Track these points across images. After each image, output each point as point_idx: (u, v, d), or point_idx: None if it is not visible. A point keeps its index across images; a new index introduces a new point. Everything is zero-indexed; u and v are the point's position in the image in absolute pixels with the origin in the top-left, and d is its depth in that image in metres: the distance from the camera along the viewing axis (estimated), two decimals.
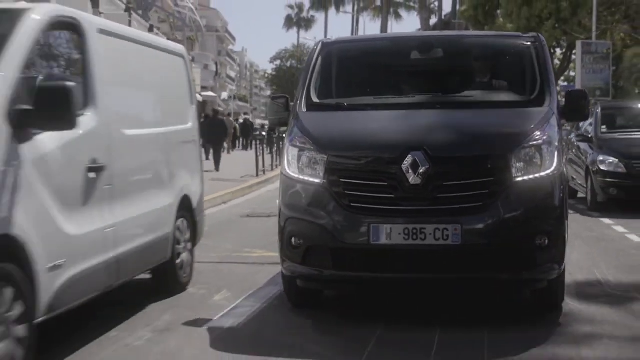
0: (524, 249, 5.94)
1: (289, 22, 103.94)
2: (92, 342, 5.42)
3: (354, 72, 7.73)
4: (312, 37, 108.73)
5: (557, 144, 6.26)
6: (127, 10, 28.82)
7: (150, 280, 6.89)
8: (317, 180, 6.17)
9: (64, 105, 4.60)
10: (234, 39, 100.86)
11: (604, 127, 13.77)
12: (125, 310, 6.20)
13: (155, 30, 31.29)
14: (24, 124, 4.53)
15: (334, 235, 6.05)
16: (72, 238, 4.94)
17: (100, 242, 5.35)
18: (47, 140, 4.75)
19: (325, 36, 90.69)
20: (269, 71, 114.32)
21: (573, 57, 33.86)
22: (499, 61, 7.83)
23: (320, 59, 7.34)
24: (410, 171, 5.90)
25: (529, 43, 7.37)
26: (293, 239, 6.23)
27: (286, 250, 6.29)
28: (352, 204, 6.02)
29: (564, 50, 35.76)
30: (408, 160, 5.91)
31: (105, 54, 5.65)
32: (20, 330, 4.41)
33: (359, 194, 6.05)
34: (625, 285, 7.19)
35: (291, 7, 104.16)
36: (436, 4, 54.22)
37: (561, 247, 6.10)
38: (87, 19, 5.64)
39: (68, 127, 4.68)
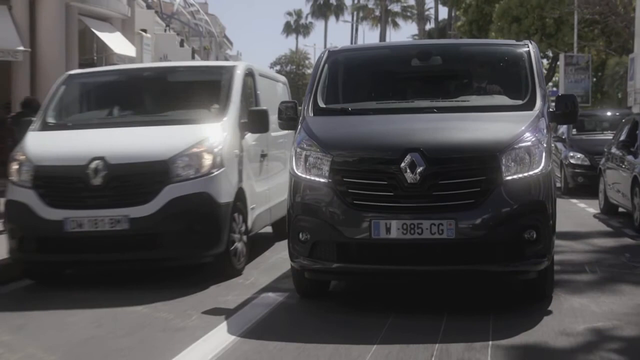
0: (514, 242, 6.26)
1: (288, 29, 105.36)
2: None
3: (358, 79, 8.11)
4: (311, 44, 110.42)
5: (545, 145, 6.57)
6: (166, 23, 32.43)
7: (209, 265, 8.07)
8: (322, 180, 6.53)
9: (264, 120, 8.45)
10: (231, 43, 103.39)
11: (574, 130, 17.64)
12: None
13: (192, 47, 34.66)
14: (243, 129, 8.38)
15: (338, 230, 6.40)
16: (257, 193, 8.78)
17: (265, 197, 9.17)
18: (248, 138, 8.60)
19: (325, 43, 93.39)
20: None
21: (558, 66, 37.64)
22: (494, 67, 8.13)
23: (326, 66, 7.75)
24: (408, 171, 6.25)
25: (521, 50, 7.71)
26: (300, 234, 6.60)
27: (295, 244, 6.65)
28: (354, 202, 6.38)
29: (549, 61, 39.53)
30: (406, 160, 6.26)
31: (262, 88, 9.50)
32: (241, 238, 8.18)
33: (361, 192, 6.40)
34: (574, 233, 10.96)
35: (290, 13, 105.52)
36: (431, 11, 57.98)
37: (548, 241, 6.40)
38: (255, 68, 9.46)
39: (265, 131, 8.57)
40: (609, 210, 12.93)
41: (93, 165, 7.36)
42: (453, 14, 47.58)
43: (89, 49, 18.82)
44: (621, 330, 5.87)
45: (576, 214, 13.41)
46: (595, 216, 13.04)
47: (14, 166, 7.74)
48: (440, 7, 55.06)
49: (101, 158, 7.35)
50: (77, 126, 8.34)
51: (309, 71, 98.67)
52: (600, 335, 5.75)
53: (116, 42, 18.69)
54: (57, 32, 16.75)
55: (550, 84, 42.93)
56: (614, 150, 12.70)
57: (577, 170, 16.54)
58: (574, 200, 15.28)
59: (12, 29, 15.58)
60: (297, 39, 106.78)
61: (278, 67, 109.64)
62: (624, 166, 11.84)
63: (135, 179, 7.41)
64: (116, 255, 7.51)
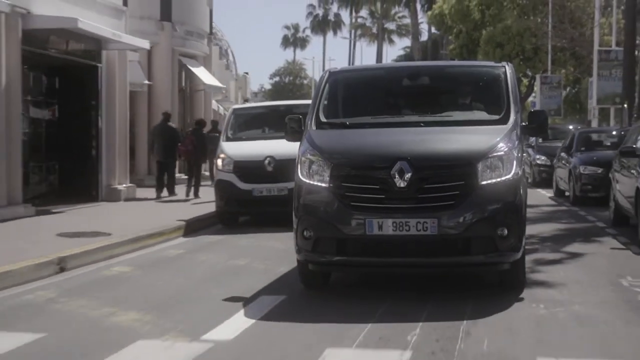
0: (488, 238, 6.98)
1: (286, 42, 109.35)
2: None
3: (355, 96, 8.80)
4: (308, 56, 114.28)
5: (516, 154, 7.24)
6: None
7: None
8: (323, 185, 7.24)
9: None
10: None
11: (540, 139, 24.07)
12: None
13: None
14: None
15: (337, 228, 7.11)
16: None
17: None
18: None
19: (324, 57, 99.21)
20: (267, 86, 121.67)
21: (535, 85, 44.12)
22: (475, 86, 8.86)
23: (327, 85, 8.44)
24: (397, 177, 6.97)
25: (499, 71, 8.40)
26: (305, 232, 7.26)
27: (299, 240, 7.32)
28: (351, 203, 7.09)
29: (529, 80, 45.94)
30: (396, 168, 6.98)
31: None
32: None
33: (357, 195, 7.11)
34: (534, 206, 17.20)
35: (288, 27, 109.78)
36: (424, 25, 64.10)
37: (519, 237, 7.09)
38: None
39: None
40: (559, 193, 19.32)
41: (266, 160, 13.56)
42: (444, 40, 53.85)
43: (179, 79, 25.00)
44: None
45: (538, 196, 19.74)
46: (550, 197, 19.40)
47: (220, 161, 14.01)
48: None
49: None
50: (250, 138, 14.62)
51: (306, 81, 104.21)
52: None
53: (203, 74, 24.96)
54: (165, 70, 22.97)
55: (531, 98, 49.34)
56: (562, 154, 19.09)
57: (541, 169, 22.96)
58: (539, 190, 21.64)
59: (139, 69, 21.75)
60: (294, 51, 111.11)
61: (277, 79, 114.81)
62: (564, 163, 18.26)
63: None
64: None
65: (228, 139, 14.54)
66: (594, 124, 32.57)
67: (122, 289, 8.35)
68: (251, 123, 15.29)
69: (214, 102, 29.10)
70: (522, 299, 7.19)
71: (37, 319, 6.90)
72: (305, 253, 7.37)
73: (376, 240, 7.07)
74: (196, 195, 18.02)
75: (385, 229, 6.99)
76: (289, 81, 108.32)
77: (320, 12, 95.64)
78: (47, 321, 6.82)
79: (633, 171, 11.31)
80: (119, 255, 10.62)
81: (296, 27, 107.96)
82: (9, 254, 9.50)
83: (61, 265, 9.49)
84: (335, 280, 8.20)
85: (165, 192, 18.41)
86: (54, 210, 14.97)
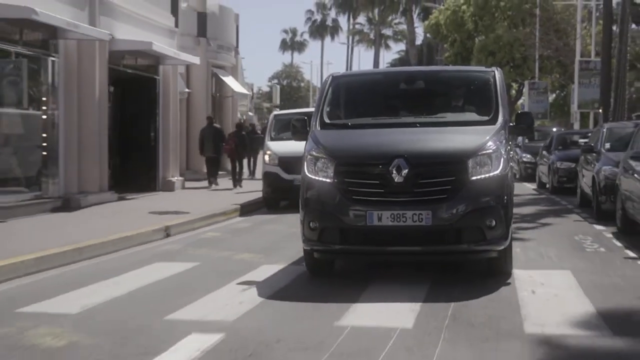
0: (477, 228, 7.58)
1: (284, 45, 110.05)
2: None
3: (356, 99, 9.34)
4: (306, 59, 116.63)
5: (503, 152, 7.83)
6: None
7: None
8: (328, 180, 7.86)
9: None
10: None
11: (526, 140, 27.57)
12: None
13: None
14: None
15: (340, 219, 7.71)
16: None
17: None
18: None
19: (322, 60, 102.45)
20: (265, 88, 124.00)
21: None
22: (466, 89, 9.43)
23: (330, 88, 9.02)
24: (395, 173, 7.57)
25: (488, 75, 8.93)
26: (311, 223, 7.89)
27: (306, 231, 7.95)
28: (353, 197, 7.69)
29: (518, 85, 49.51)
30: (394, 164, 7.57)
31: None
32: None
33: (358, 189, 7.72)
34: (520, 195, 20.66)
35: (286, 31, 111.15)
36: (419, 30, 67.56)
37: (506, 227, 7.66)
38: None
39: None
40: (541, 185, 22.84)
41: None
42: (439, 47, 57.39)
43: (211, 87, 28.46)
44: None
45: (524, 188, 23.19)
46: (533, 189, 22.92)
47: (267, 156, 17.45)
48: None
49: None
50: (289, 138, 18.01)
51: (302, 84, 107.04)
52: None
53: (232, 83, 28.38)
54: (202, 79, 26.33)
55: (521, 101, 52.84)
56: (543, 152, 22.61)
57: (527, 165, 26.49)
58: (525, 183, 25.14)
59: (181, 79, 25.20)
60: (292, 55, 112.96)
61: (276, 81, 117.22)
62: (544, 160, 21.82)
63: None
64: None
65: (272, 139, 17.98)
66: (576, 126, 36.14)
67: (225, 244, 11.77)
68: (288, 125, 18.67)
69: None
70: (508, 284, 7.84)
71: (186, 257, 10.38)
72: (311, 243, 8.02)
73: (376, 230, 7.67)
74: (240, 185, 21.53)
75: (384, 220, 7.60)
76: (287, 84, 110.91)
77: (318, 17, 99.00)
78: (194, 257, 10.31)
79: (592, 165, 14.82)
80: (200, 227, 14.03)
81: (294, 31, 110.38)
82: (122, 226, 12.78)
83: (167, 232, 12.91)
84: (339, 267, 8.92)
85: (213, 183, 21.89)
86: (128, 197, 18.39)
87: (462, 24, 47.20)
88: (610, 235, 11.68)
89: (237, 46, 30.11)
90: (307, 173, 8.14)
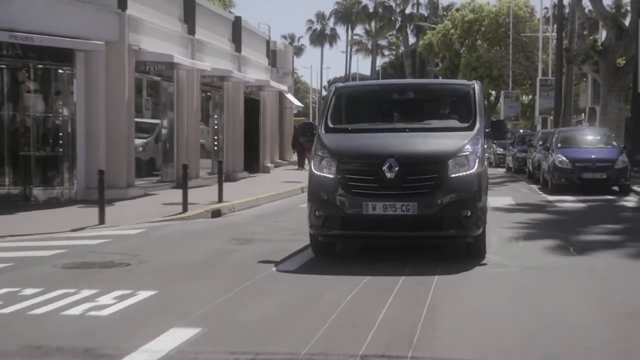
0: (455, 217, 8.83)
1: None
2: None
3: (355, 107, 10.71)
4: (305, 64, 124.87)
5: (478, 154, 9.09)
6: None
7: None
8: (331, 176, 9.07)
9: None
10: None
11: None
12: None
13: None
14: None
15: (341, 208, 8.91)
16: None
17: None
18: None
19: (321, 66, 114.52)
20: None
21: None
22: (450, 100, 10.85)
23: (334, 97, 10.29)
24: (387, 170, 8.77)
25: (468, 88, 10.27)
26: (316, 212, 9.09)
27: (312, 219, 9.19)
28: (352, 190, 8.91)
29: (496, 94, 61.08)
30: (386, 164, 8.77)
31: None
32: None
33: (356, 184, 8.95)
34: (495, 176, 32.23)
35: (285, 37, 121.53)
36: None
37: (479, 217, 8.94)
38: None
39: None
40: (508, 169, 34.36)
41: None
42: (430, 59, 68.90)
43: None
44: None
45: (497, 171, 34.49)
46: (504, 172, 34.32)
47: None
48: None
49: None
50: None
51: (300, 85, 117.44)
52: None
53: (292, 99, 39.50)
54: (274, 97, 37.09)
55: (498, 105, 64.25)
56: (510, 146, 34.17)
57: (499, 156, 38.32)
58: (498, 168, 36.60)
59: (294, 98, 36.55)
60: (292, 59, 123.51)
61: None
62: (510, 152, 33.47)
63: None
64: None
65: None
66: (539, 127, 47.70)
67: None
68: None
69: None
70: (484, 264, 8.95)
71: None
72: (316, 228, 9.21)
73: (370, 218, 8.86)
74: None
75: (377, 209, 8.79)
76: None
77: (318, 27, 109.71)
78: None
79: (531, 153, 26.35)
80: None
81: (292, 37, 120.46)
82: (272, 188, 23.83)
83: (302, 189, 24.08)
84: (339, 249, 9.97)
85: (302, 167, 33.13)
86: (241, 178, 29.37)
87: (450, 44, 58.73)
88: (536, 188, 23.13)
89: (293, 70, 41.38)
90: (313, 169, 9.39)
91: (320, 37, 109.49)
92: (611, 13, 31.44)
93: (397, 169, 8.82)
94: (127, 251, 10.59)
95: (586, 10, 35.01)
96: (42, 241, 12.01)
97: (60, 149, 18.61)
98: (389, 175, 8.84)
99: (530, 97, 62.25)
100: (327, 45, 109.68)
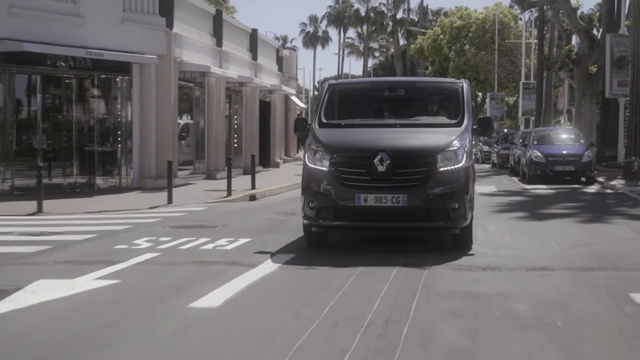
0: (443, 209, 9.16)
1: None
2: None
3: (348, 103, 10.96)
4: (301, 66, 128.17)
5: (466, 149, 9.40)
6: None
7: None
8: (324, 169, 9.37)
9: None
10: None
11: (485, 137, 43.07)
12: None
13: None
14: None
15: (334, 200, 9.24)
16: None
17: None
18: None
19: (314, 66, 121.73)
20: None
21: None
22: (439, 97, 11.09)
23: (327, 93, 10.59)
24: (379, 164, 9.04)
25: (457, 86, 10.56)
26: (310, 203, 9.43)
27: (306, 210, 9.53)
28: (345, 182, 9.22)
29: (483, 96, 64.98)
30: (378, 157, 9.04)
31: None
32: None
33: (349, 176, 9.25)
34: (482, 171, 36.13)
35: (277, 38, 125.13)
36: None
37: (466, 209, 9.24)
38: None
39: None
40: (493, 165, 38.24)
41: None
42: (419, 64, 72.71)
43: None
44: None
45: (483, 166, 38.45)
46: (489, 167, 38.20)
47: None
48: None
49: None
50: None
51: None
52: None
53: (297, 100, 43.32)
54: (280, 99, 40.92)
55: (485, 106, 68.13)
56: (494, 144, 38.01)
57: (485, 153, 42.24)
58: (484, 164, 40.48)
59: (300, 101, 40.23)
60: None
61: None
62: (494, 149, 37.33)
63: None
64: None
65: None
66: (522, 127, 51.61)
67: None
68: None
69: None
70: (472, 255, 9.36)
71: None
72: (310, 219, 9.64)
73: (362, 209, 9.24)
74: None
75: (369, 201, 9.17)
76: None
77: (311, 29, 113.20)
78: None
79: (513, 150, 30.18)
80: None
81: (284, 38, 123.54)
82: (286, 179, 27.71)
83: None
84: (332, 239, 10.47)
85: None
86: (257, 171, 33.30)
87: (440, 49, 62.59)
88: (516, 179, 26.94)
89: (296, 74, 45.18)
90: (307, 162, 9.70)
91: (313, 39, 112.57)
92: (584, 26, 35.26)
93: (388, 162, 9.14)
94: (207, 220, 14.26)
95: (563, 24, 38.87)
96: (135, 213, 15.71)
97: (119, 145, 22.33)
98: (380, 168, 9.16)
99: (515, 98, 66.19)
100: (319, 47, 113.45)
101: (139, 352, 5.61)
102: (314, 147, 9.72)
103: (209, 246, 10.75)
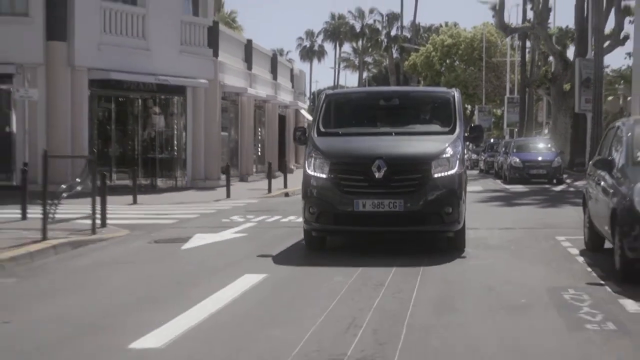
0: (437, 213, 9.57)
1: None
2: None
3: (345, 112, 11.40)
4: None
5: (459, 156, 9.88)
6: None
7: None
8: (324, 175, 9.79)
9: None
10: None
11: (474, 146, 48.29)
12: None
13: None
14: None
15: (334, 205, 9.63)
16: None
17: None
18: None
19: (310, 79, 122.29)
20: None
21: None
22: (432, 106, 11.60)
23: (325, 103, 11.01)
24: (376, 170, 9.47)
25: (449, 95, 11.07)
26: (310, 209, 9.79)
27: (306, 215, 9.87)
28: (344, 189, 9.62)
29: (472, 108, 70.16)
30: (375, 164, 9.47)
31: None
32: None
33: (347, 183, 9.68)
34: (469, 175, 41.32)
35: (274, 51, 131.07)
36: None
37: (459, 213, 9.62)
38: None
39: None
40: (480, 170, 43.48)
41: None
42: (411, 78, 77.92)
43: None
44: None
45: (472, 172, 43.27)
46: (477, 173, 43.30)
47: None
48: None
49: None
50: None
51: None
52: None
53: (306, 114, 48.48)
54: (293, 112, 46.39)
55: (474, 118, 73.35)
56: (482, 152, 43.22)
57: (473, 160, 47.35)
58: (472, 170, 45.51)
59: (308, 115, 45.35)
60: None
61: None
62: (482, 157, 42.60)
63: None
64: None
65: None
66: (507, 137, 56.79)
67: None
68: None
69: None
70: (464, 257, 9.83)
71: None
72: (310, 224, 10.06)
73: (360, 214, 9.64)
74: None
75: (367, 206, 9.58)
76: None
77: (307, 43, 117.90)
78: None
79: (497, 157, 35.39)
80: None
81: (280, 52, 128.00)
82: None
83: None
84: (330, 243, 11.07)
85: None
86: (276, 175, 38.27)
87: (432, 65, 67.67)
88: (499, 181, 32.09)
89: (305, 91, 50.39)
90: (307, 170, 10.16)
91: (310, 53, 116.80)
92: (558, 49, 40.57)
93: (385, 169, 9.60)
94: (267, 207, 19.29)
95: (542, 47, 44.14)
96: (210, 204, 20.74)
97: (175, 153, 27.49)
98: (377, 175, 9.61)
99: (502, 110, 71.32)
100: (315, 61, 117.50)
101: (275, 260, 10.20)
102: (313, 155, 10.27)
103: (285, 219, 15.78)
